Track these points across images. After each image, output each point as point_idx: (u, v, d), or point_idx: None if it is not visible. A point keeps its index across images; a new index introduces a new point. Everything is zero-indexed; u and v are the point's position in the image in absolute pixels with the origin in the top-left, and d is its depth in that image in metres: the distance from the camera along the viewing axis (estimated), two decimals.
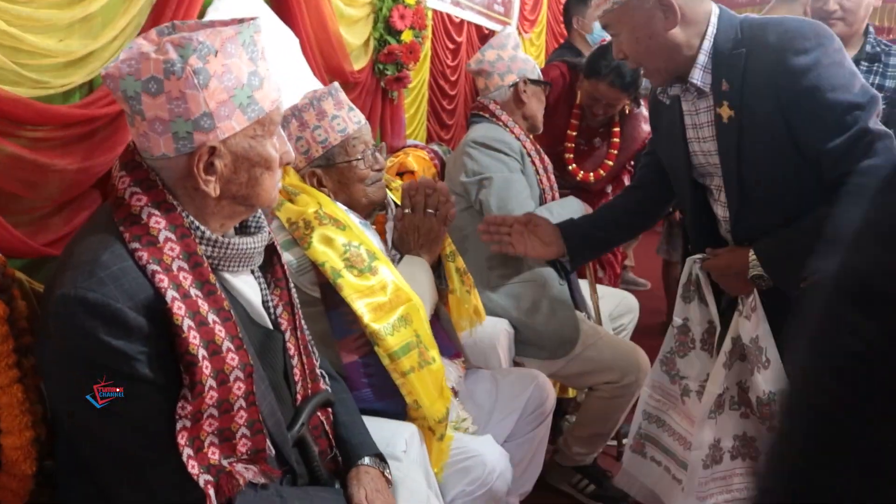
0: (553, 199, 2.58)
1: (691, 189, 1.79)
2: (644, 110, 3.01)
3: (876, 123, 1.49)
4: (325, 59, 2.44)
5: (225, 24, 1.12)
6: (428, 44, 3.54)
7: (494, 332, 2.22)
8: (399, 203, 2.02)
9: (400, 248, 1.96)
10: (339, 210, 1.83)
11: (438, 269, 1.98)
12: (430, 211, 1.93)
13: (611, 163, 2.99)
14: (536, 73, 2.59)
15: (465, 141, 2.41)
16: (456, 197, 2.37)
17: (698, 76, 1.62)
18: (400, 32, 2.76)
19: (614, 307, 2.84)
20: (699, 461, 1.78)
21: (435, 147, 2.78)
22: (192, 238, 1.11)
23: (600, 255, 2.18)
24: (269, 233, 1.30)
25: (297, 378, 1.33)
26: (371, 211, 1.96)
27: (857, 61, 2.34)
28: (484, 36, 4.46)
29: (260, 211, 1.29)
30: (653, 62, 1.65)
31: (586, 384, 2.51)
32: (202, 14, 1.90)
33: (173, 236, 1.09)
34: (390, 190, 2.06)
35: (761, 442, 1.73)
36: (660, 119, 1.85)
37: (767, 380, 1.64)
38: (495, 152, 2.36)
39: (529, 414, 2.11)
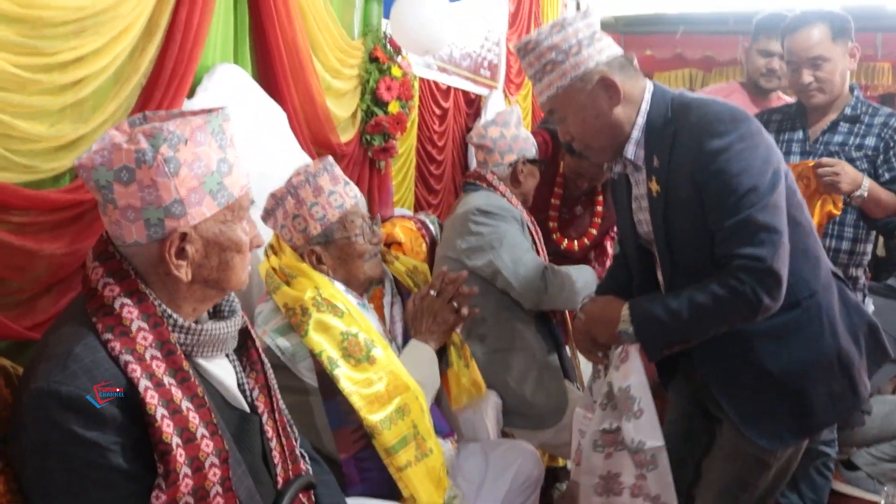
0: (541, 251, 2.62)
1: (638, 255, 1.85)
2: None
3: (769, 214, 1.52)
4: (312, 132, 2.47)
5: (195, 113, 1.16)
6: (415, 111, 3.59)
7: (483, 405, 2.22)
8: (395, 276, 2.04)
9: (410, 326, 1.96)
10: (338, 292, 1.83)
11: (439, 349, 1.98)
12: (453, 303, 1.94)
13: (594, 231, 3.03)
14: (535, 153, 2.64)
15: (467, 209, 2.44)
16: (450, 262, 2.39)
17: (632, 151, 1.68)
18: (387, 104, 2.81)
19: None
20: (590, 487, 1.82)
21: (422, 217, 2.80)
22: (164, 326, 1.12)
23: None
24: (243, 316, 1.32)
25: (276, 460, 1.33)
26: (368, 287, 1.97)
27: (836, 123, 2.40)
28: (470, 100, 4.53)
29: (233, 294, 1.30)
30: (599, 141, 1.71)
31: None
32: (192, 93, 1.93)
33: (146, 325, 1.11)
34: (386, 263, 2.08)
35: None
36: (614, 191, 1.91)
37: (639, 429, 1.68)
38: (501, 217, 2.40)
39: (519, 486, 2.10)
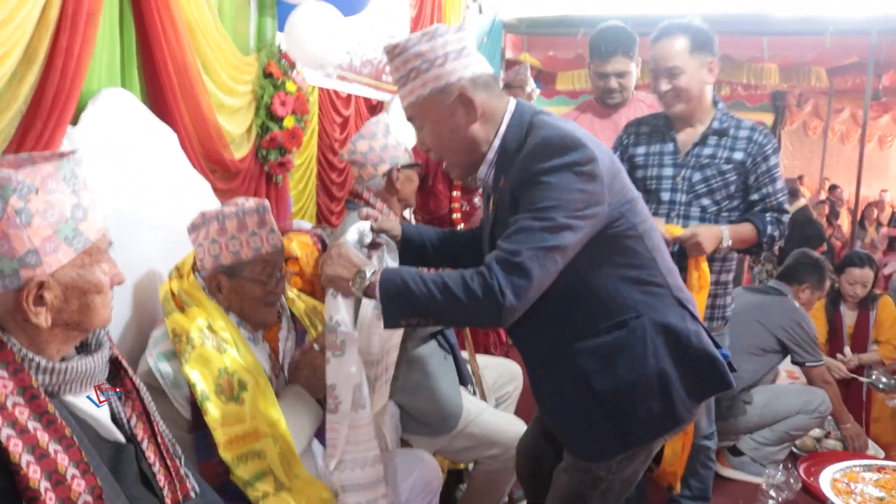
0: None
1: (489, 249, 1.82)
2: None
3: (552, 228, 1.52)
4: (204, 150, 2.47)
5: (46, 158, 1.16)
6: (314, 120, 3.61)
7: (379, 415, 2.27)
8: (293, 313, 2.07)
9: (289, 375, 2.01)
10: (230, 325, 1.88)
11: None
12: None
13: None
14: (408, 157, 2.69)
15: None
16: None
17: (484, 171, 1.73)
18: (282, 119, 2.82)
19: (497, 376, 2.93)
20: None
21: (319, 231, 2.83)
22: (25, 372, 1.13)
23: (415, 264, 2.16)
24: (111, 348, 1.33)
25: (162, 483, 1.35)
26: (262, 326, 2.00)
27: (705, 136, 2.52)
28: (373, 106, 4.57)
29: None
30: (453, 156, 1.74)
31: (471, 458, 2.59)
32: (76, 121, 1.92)
33: (5, 373, 1.12)
34: (288, 301, 2.11)
35: None
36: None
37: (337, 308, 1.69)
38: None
39: (418, 493, 2.16)
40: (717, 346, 1.79)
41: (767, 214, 2.49)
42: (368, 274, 1.59)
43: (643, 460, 1.82)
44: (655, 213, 2.56)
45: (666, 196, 2.55)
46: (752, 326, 3.59)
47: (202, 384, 1.75)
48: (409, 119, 1.73)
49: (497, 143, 1.69)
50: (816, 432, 3.87)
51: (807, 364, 3.62)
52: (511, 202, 1.63)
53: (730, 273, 2.66)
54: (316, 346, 1.98)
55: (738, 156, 2.49)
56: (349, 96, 4.11)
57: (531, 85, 4.23)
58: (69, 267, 1.17)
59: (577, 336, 1.69)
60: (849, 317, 4.34)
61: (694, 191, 2.52)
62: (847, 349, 4.21)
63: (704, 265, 2.41)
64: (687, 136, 2.57)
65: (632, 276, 1.68)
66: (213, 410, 1.74)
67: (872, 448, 3.77)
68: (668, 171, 2.56)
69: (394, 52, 1.67)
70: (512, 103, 1.71)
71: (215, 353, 1.79)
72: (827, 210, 10.30)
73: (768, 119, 13.07)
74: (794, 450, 3.82)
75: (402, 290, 1.54)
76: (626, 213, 1.66)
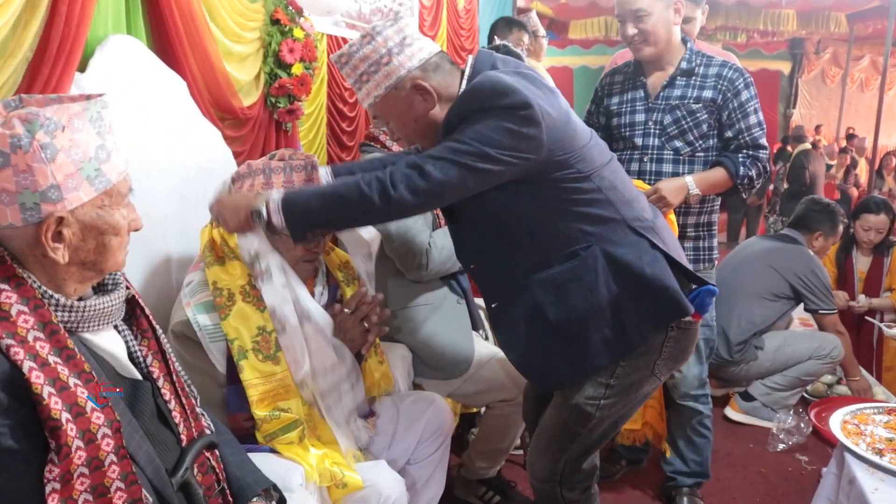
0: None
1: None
2: None
3: (473, 144, 1.58)
4: (213, 97, 2.47)
5: (73, 99, 1.19)
6: (324, 68, 3.59)
7: (392, 359, 2.30)
8: (328, 266, 2.11)
9: None
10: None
11: None
12: (365, 324, 2.03)
13: None
14: None
15: None
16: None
17: None
18: (290, 66, 2.81)
19: None
20: None
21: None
22: (45, 308, 1.16)
23: None
24: (127, 287, 1.36)
25: (177, 420, 1.39)
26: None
27: (673, 78, 2.50)
28: None
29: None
30: (424, 141, 1.79)
31: (483, 402, 2.62)
32: (84, 67, 1.92)
33: (26, 308, 1.14)
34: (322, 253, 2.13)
35: None
36: None
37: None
38: None
39: (430, 435, 2.20)
40: (697, 279, 1.85)
41: (741, 154, 2.46)
42: (263, 210, 1.65)
43: (629, 400, 1.87)
44: (630, 159, 2.56)
45: (639, 141, 2.54)
46: (766, 272, 3.59)
47: (241, 341, 1.79)
48: (374, 118, 1.79)
49: None
50: (828, 378, 3.89)
51: (819, 311, 3.62)
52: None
53: (712, 214, 2.63)
54: (346, 311, 2.01)
55: (708, 94, 2.46)
56: None
57: (540, 31, 4.17)
58: (89, 206, 1.19)
59: (531, 270, 1.74)
60: (863, 262, 4.31)
61: (666, 133, 2.50)
62: (860, 296, 4.19)
63: (672, 216, 2.42)
64: (656, 80, 2.54)
65: (580, 212, 1.71)
66: (250, 368, 1.79)
67: (884, 395, 3.79)
68: (641, 117, 2.54)
69: (341, 62, 1.73)
70: (468, 64, 1.74)
71: (255, 311, 1.83)
72: (848, 161, 10.17)
73: (786, 67, 12.88)
74: (806, 395, 3.84)
75: (303, 210, 1.64)
76: (571, 160, 1.68)
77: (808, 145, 8.13)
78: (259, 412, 1.78)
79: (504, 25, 4.23)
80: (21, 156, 1.09)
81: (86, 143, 1.16)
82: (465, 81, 1.72)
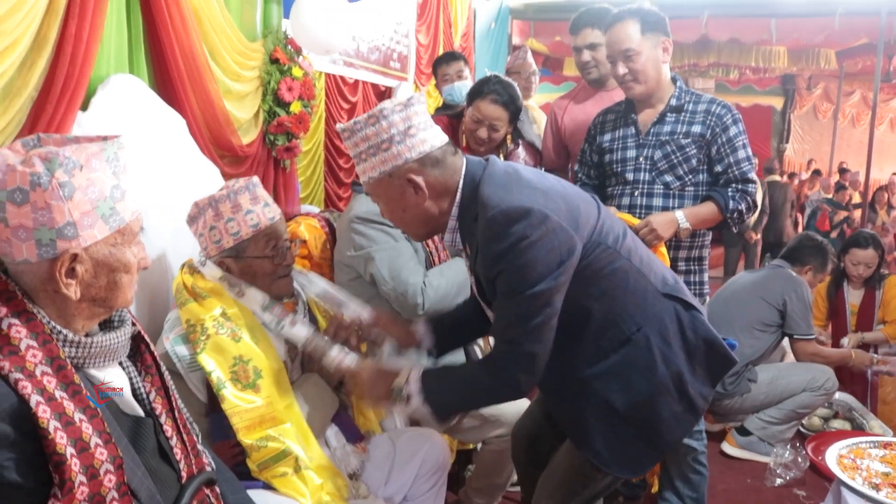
0: (440, 260, 2.62)
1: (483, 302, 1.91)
2: (522, 151, 3.18)
3: (537, 306, 1.60)
4: (212, 136, 2.51)
5: (91, 140, 1.21)
6: (321, 106, 3.64)
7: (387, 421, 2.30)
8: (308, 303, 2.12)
9: (304, 364, 2.08)
10: (246, 311, 1.92)
11: None
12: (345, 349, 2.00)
13: None
14: None
15: (349, 216, 2.45)
16: (345, 268, 2.47)
17: (449, 238, 1.76)
18: (289, 104, 2.85)
19: None
20: None
21: (326, 214, 2.85)
22: (54, 343, 1.17)
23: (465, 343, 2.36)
24: (134, 324, 1.37)
25: (178, 457, 1.39)
26: (277, 300, 2.03)
27: (663, 114, 2.54)
28: (381, 92, 4.59)
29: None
30: (410, 228, 1.78)
31: (479, 438, 2.61)
32: (86, 106, 1.95)
33: (35, 343, 1.15)
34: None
35: None
36: None
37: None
38: (379, 225, 2.39)
39: (427, 472, 2.19)
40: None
41: (730, 188, 2.49)
42: (404, 389, 1.73)
43: None
44: (622, 193, 2.59)
45: (630, 176, 2.57)
46: (755, 302, 3.61)
47: (218, 372, 1.80)
48: (368, 194, 1.77)
49: (455, 212, 1.72)
50: (824, 412, 3.89)
51: (795, 336, 3.63)
52: (487, 283, 1.69)
53: (703, 249, 2.66)
54: (326, 338, 2.01)
55: (697, 129, 2.50)
56: (356, 82, 4.13)
57: (532, 68, 4.19)
58: (102, 244, 1.21)
59: (588, 363, 1.74)
60: (854, 296, 4.34)
61: (656, 168, 2.53)
62: (845, 339, 4.19)
63: (662, 249, 2.44)
64: (647, 117, 2.59)
65: (620, 290, 1.72)
66: (230, 398, 1.79)
67: (881, 428, 3.79)
68: (632, 153, 2.58)
69: (345, 135, 1.69)
70: (462, 169, 1.71)
71: (230, 342, 1.83)
72: (847, 197, 10.22)
73: (778, 103, 13.02)
74: (802, 429, 3.84)
75: (443, 403, 1.74)
76: (598, 237, 1.69)
77: (776, 177, 8.33)
78: (246, 440, 1.78)
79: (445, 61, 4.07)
80: (40, 193, 1.11)
81: (102, 183, 1.18)
82: (462, 183, 1.70)
